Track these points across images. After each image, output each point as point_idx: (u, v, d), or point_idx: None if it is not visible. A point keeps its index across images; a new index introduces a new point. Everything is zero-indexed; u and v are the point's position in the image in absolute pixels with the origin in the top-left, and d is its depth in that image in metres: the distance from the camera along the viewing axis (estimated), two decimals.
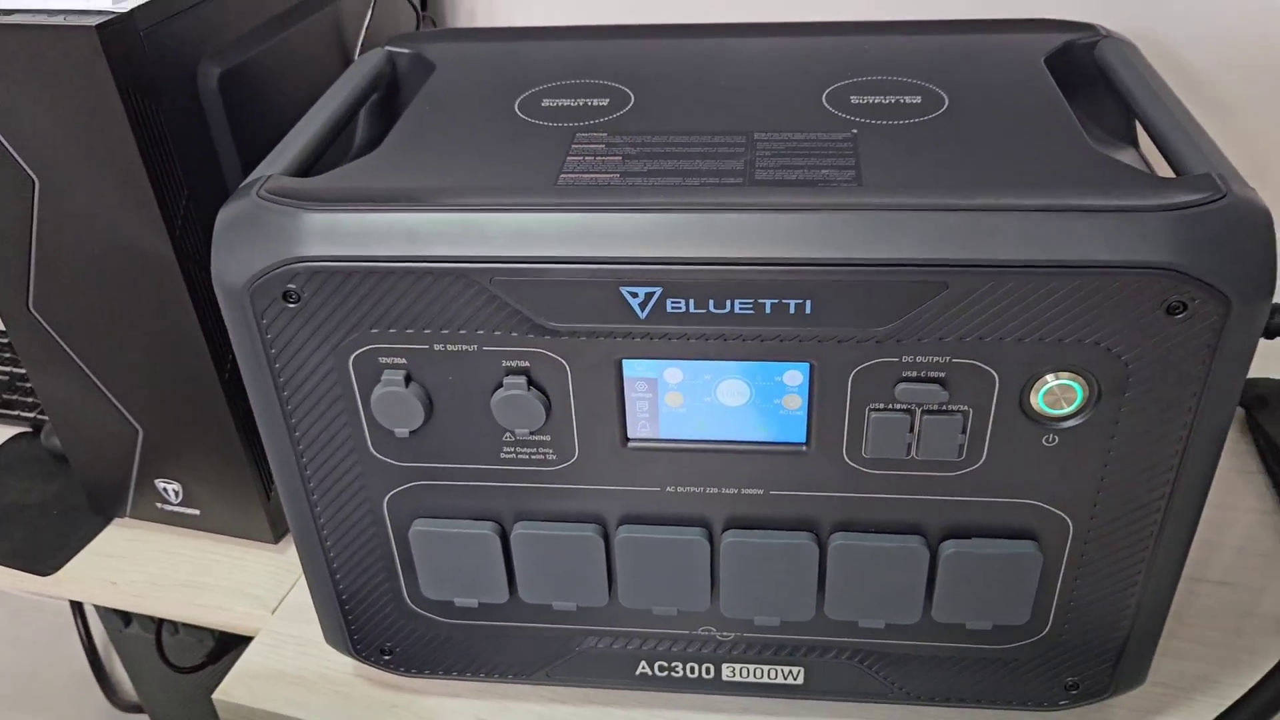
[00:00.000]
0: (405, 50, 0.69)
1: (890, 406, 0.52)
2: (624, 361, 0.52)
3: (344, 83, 0.65)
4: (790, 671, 0.63)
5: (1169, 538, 0.55)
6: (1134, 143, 0.65)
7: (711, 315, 0.50)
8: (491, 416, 0.54)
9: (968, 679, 0.62)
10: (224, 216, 0.52)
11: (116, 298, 0.68)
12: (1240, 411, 0.85)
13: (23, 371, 0.96)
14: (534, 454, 0.56)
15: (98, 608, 1.18)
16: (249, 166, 0.69)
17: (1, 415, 0.94)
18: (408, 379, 0.53)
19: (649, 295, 0.49)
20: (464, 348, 0.52)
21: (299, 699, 0.68)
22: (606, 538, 0.58)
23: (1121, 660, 0.60)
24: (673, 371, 0.53)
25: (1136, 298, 0.47)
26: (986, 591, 0.57)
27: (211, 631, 1.04)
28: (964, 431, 0.52)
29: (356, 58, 0.78)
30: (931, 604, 0.58)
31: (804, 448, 0.54)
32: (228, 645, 1.06)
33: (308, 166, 0.57)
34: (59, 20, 0.59)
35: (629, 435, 0.55)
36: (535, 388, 0.53)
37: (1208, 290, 0.46)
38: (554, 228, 0.49)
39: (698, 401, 0.54)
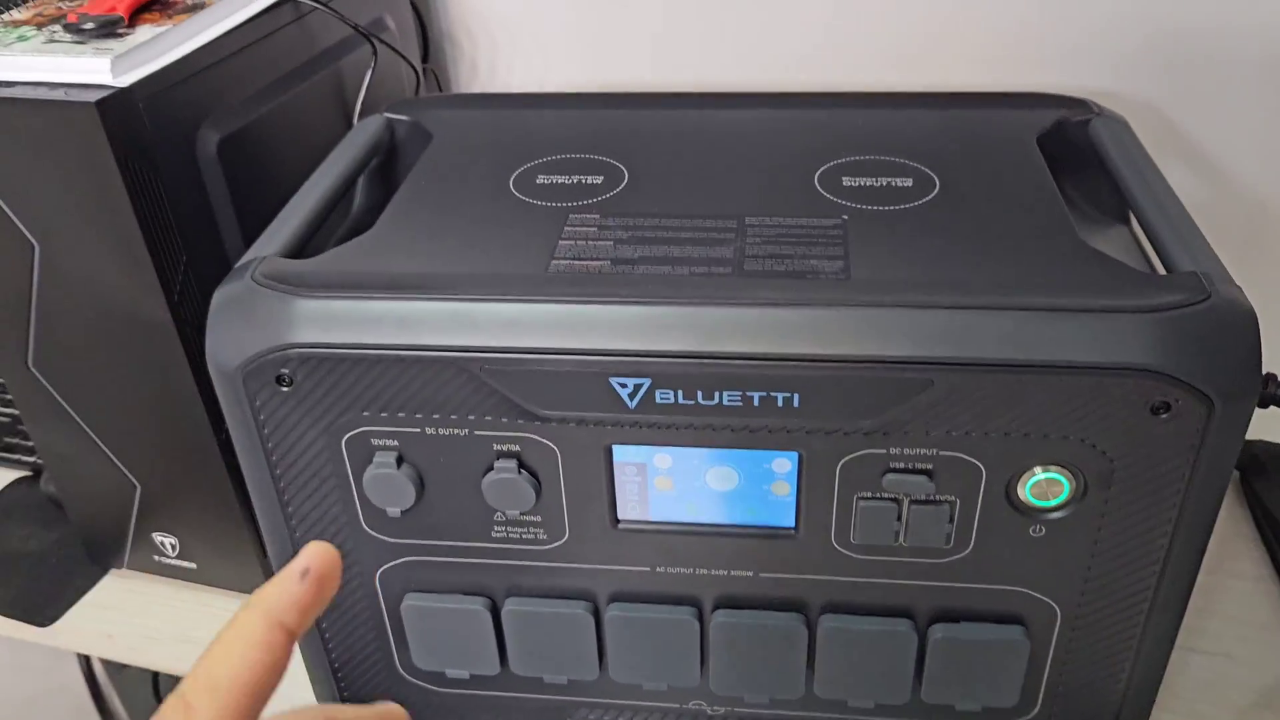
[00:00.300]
0: (404, 118, 0.70)
1: (878, 496, 0.52)
2: (614, 447, 0.53)
3: (341, 152, 0.66)
4: None
5: (1158, 621, 0.55)
6: (1126, 220, 0.65)
7: (700, 406, 0.50)
8: (482, 497, 0.54)
9: None
10: (219, 299, 0.53)
11: (115, 359, 0.69)
12: (1235, 474, 0.85)
13: None
14: (524, 533, 0.56)
15: None
16: (248, 231, 0.70)
17: (2, 459, 0.95)
18: (399, 460, 0.54)
19: (638, 386, 0.50)
20: (455, 431, 0.53)
21: None
22: (597, 614, 0.58)
23: None
24: (662, 457, 0.53)
25: (1121, 398, 0.47)
26: (975, 674, 0.57)
27: None
28: (951, 521, 0.52)
29: (356, 119, 0.79)
30: (921, 685, 0.58)
31: (793, 532, 0.54)
32: None
33: (302, 245, 0.57)
34: (59, 95, 0.59)
35: (619, 517, 0.55)
36: (526, 470, 0.53)
37: (1191, 392, 0.47)
38: (543, 319, 0.50)
39: (687, 485, 0.54)
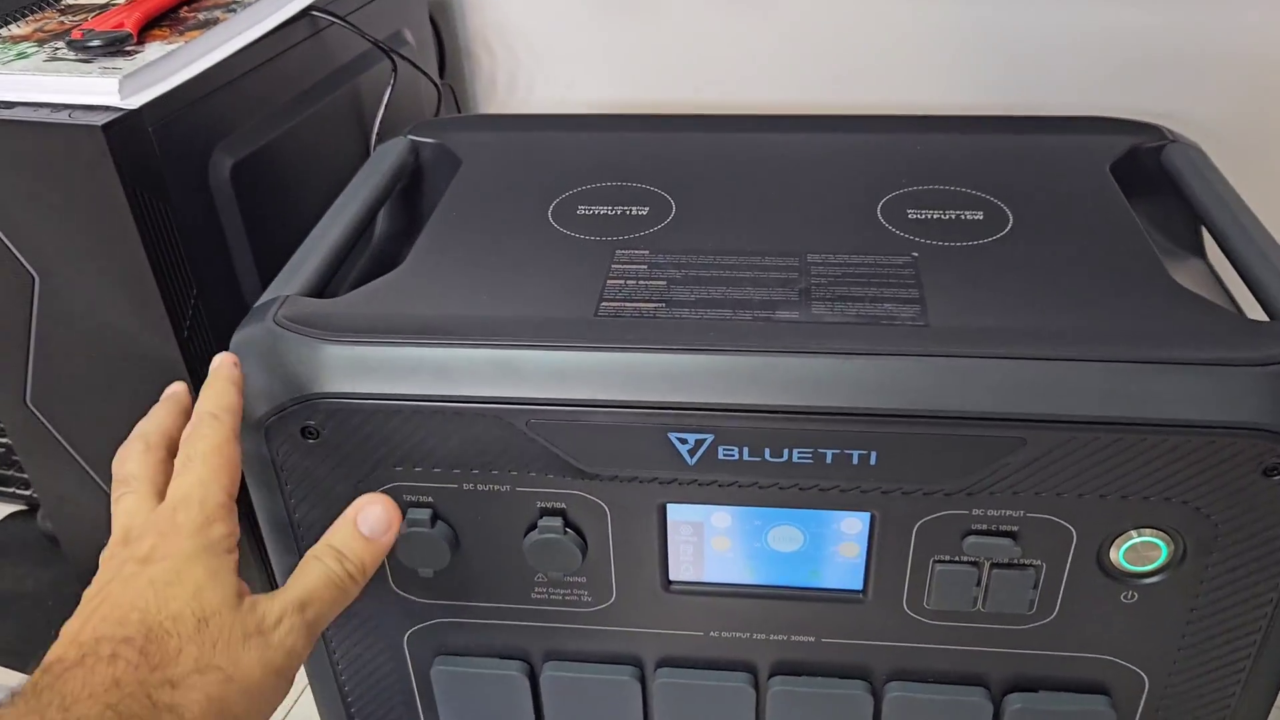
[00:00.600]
0: (429, 140, 0.65)
1: (957, 559, 0.48)
2: (669, 505, 0.48)
3: (364, 178, 0.61)
4: None
5: (1253, 693, 0.51)
6: (1201, 253, 0.61)
7: (766, 464, 0.46)
8: (523, 557, 0.50)
9: None
10: (238, 343, 0.49)
11: (118, 395, 0.65)
12: None
13: None
14: (568, 595, 0.52)
15: None
16: (263, 261, 0.65)
17: None
18: (434, 518, 0.50)
19: (699, 442, 0.45)
20: (495, 488, 0.48)
21: None
22: (643, 680, 0.54)
23: None
24: (721, 516, 0.49)
25: (1230, 458, 0.43)
26: None
27: None
28: (1036, 586, 0.48)
29: (375, 137, 0.74)
30: None
31: (861, 596, 0.50)
32: None
33: (325, 282, 0.53)
34: (64, 117, 0.55)
35: (671, 578, 0.51)
36: (571, 529, 0.49)
37: None
38: (596, 368, 0.45)
39: (747, 546, 0.50)
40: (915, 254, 0.52)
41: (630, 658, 0.54)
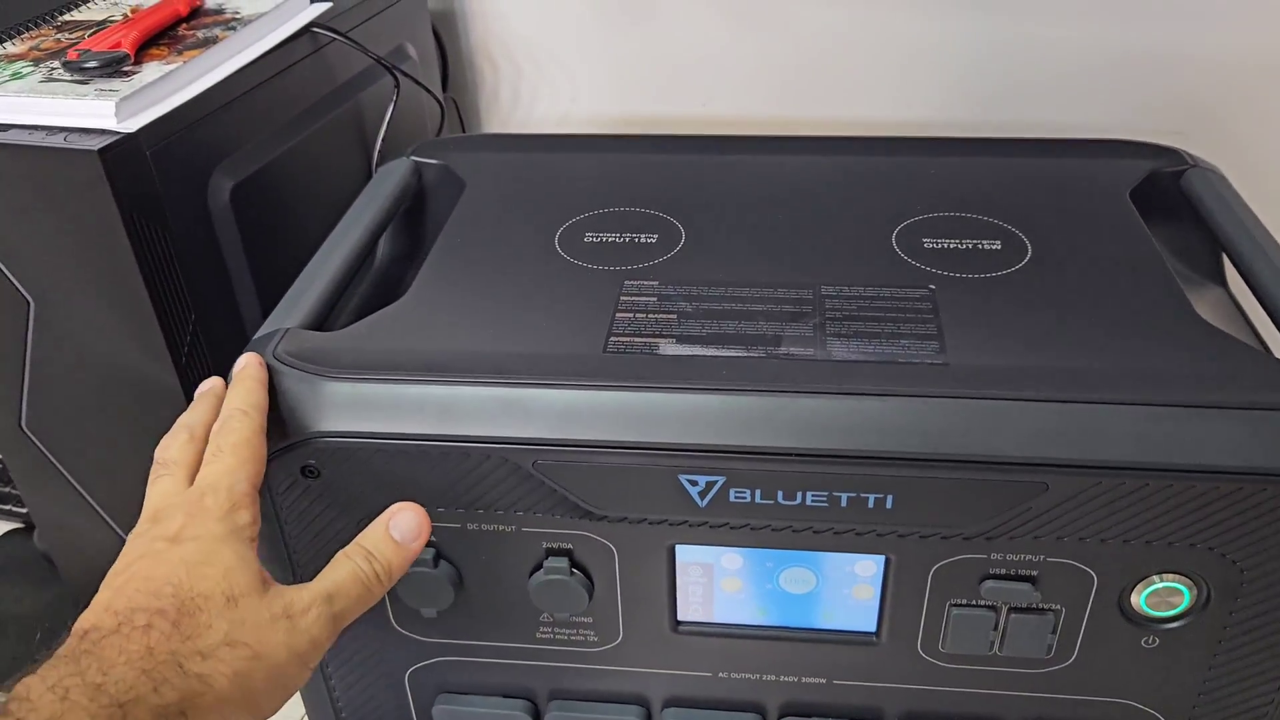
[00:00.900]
0: (432, 161, 0.64)
1: (974, 603, 0.47)
2: (678, 547, 0.47)
3: (365, 202, 0.60)
4: None
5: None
6: (1222, 281, 0.60)
7: (780, 507, 0.44)
8: (528, 598, 0.49)
9: None
10: None
11: (114, 420, 0.63)
12: None
13: None
14: (574, 635, 0.50)
15: None
16: (263, 286, 0.64)
17: None
18: (437, 559, 0.48)
19: (710, 484, 0.44)
20: (500, 528, 0.47)
21: None
22: None
23: None
24: (732, 557, 0.48)
25: (1259, 505, 0.42)
26: None
27: None
28: (1055, 631, 0.47)
29: (378, 154, 0.73)
30: None
31: (874, 639, 0.49)
32: None
33: (326, 313, 0.52)
34: (59, 141, 0.54)
35: (679, 619, 0.50)
36: (578, 570, 0.48)
37: None
38: (605, 408, 0.44)
39: (758, 588, 0.49)
40: (932, 286, 0.50)
41: (637, 698, 0.52)
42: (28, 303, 0.59)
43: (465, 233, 0.57)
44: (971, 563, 0.46)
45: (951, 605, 0.47)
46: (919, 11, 0.79)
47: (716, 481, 0.44)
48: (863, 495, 0.44)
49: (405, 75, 0.75)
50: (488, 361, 0.46)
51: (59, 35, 0.63)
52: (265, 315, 0.52)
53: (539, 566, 0.48)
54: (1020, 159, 0.62)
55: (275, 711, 0.41)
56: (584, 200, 0.59)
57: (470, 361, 0.46)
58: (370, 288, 0.61)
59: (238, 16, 0.65)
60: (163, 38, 0.62)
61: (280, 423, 0.46)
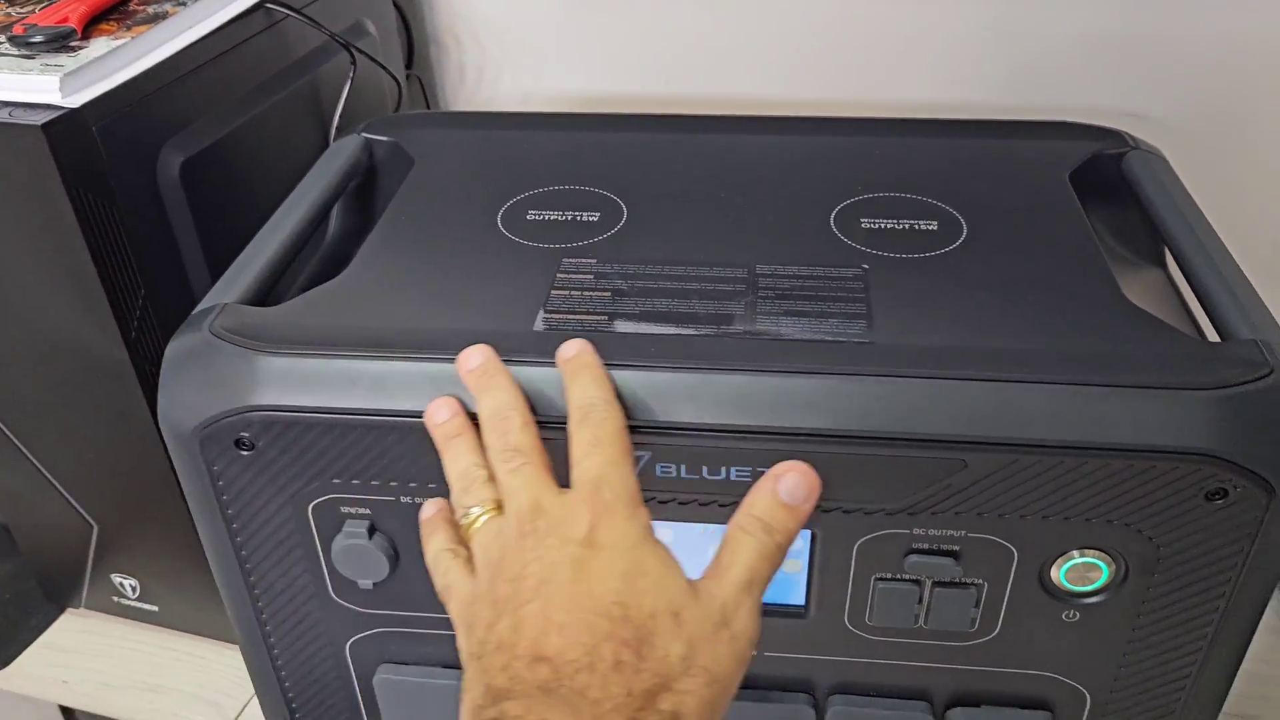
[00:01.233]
0: (383, 138, 0.64)
1: (898, 577, 0.47)
2: None
3: (314, 179, 0.60)
4: None
5: (1194, 710, 0.51)
6: (1162, 263, 0.60)
7: (705, 481, 0.45)
8: None
9: None
10: (172, 353, 0.48)
11: (69, 397, 0.64)
12: None
13: None
14: None
15: None
16: (214, 261, 0.64)
17: None
18: (371, 530, 0.49)
19: (636, 459, 0.45)
20: None
21: None
22: None
23: None
24: (661, 532, 0.48)
25: (1174, 483, 0.43)
26: None
27: None
28: (977, 605, 0.48)
29: (334, 132, 0.73)
30: None
31: (803, 611, 0.50)
32: None
33: (268, 288, 0.52)
34: (4, 115, 0.54)
35: None
36: None
37: (1252, 478, 0.42)
38: (534, 385, 0.45)
39: (688, 561, 0.49)
40: (866, 266, 0.51)
41: None
42: None
43: (409, 210, 0.57)
44: (895, 538, 0.46)
45: (876, 579, 0.48)
46: None
47: (642, 457, 0.45)
48: None
49: (361, 52, 0.75)
50: (421, 337, 0.47)
51: (8, 10, 0.63)
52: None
53: None
54: (964, 140, 0.62)
55: None
56: (530, 178, 0.59)
57: (403, 337, 0.47)
58: (319, 264, 0.61)
59: None
60: (112, 13, 0.62)
61: (214, 396, 0.46)
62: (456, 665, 0.53)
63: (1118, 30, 0.76)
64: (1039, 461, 0.43)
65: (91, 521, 0.71)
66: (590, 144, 0.63)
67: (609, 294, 0.49)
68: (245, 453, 0.47)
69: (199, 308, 0.50)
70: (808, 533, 0.47)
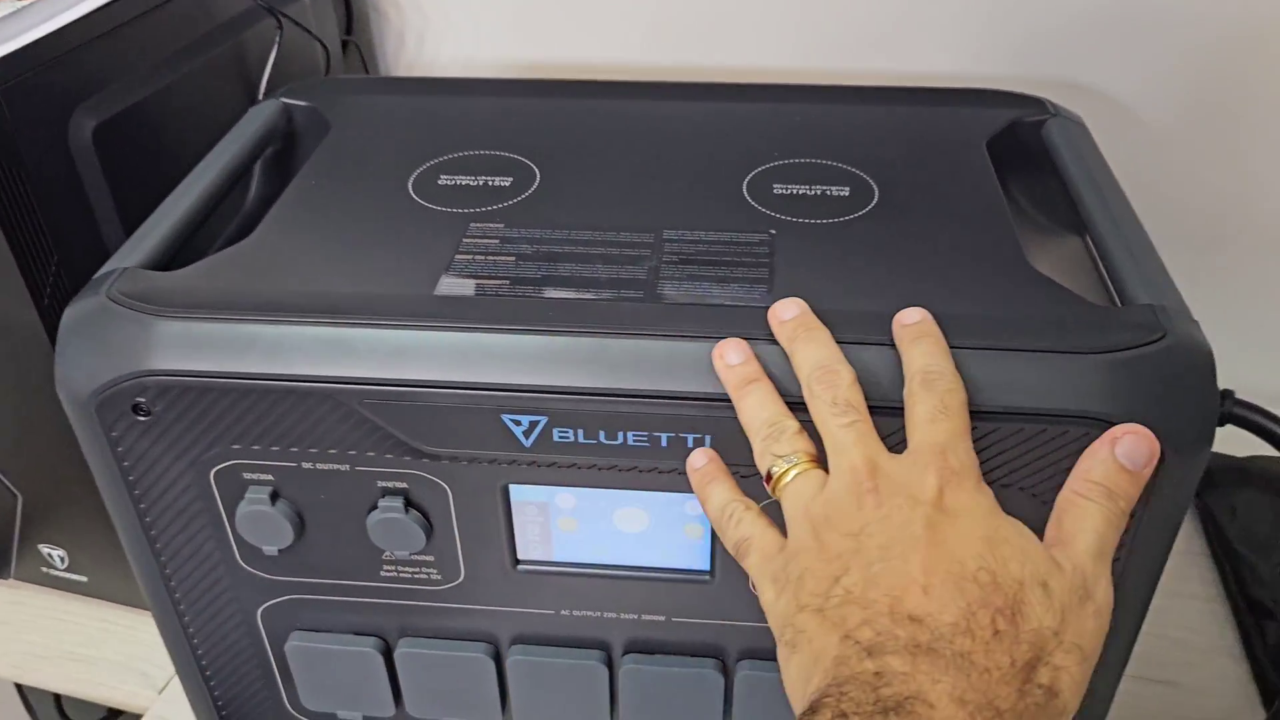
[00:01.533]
0: (302, 103, 0.64)
1: None
2: (511, 486, 0.48)
3: (227, 144, 0.60)
4: None
5: (1098, 670, 0.51)
6: (1081, 230, 0.60)
7: (603, 446, 0.45)
8: (368, 536, 0.49)
9: None
10: (68, 319, 0.47)
11: None
12: None
13: None
14: (417, 573, 0.51)
15: None
16: (131, 225, 0.63)
17: None
18: (274, 496, 0.49)
19: (533, 424, 0.45)
20: (335, 467, 0.48)
21: None
22: (498, 658, 0.54)
23: None
24: (565, 497, 0.48)
25: (1065, 446, 0.43)
26: None
27: None
28: None
29: (262, 98, 0.72)
30: None
31: (708, 576, 0.50)
32: None
33: (173, 253, 0.52)
34: None
35: (519, 557, 0.50)
36: (415, 509, 0.48)
37: None
38: (429, 348, 0.44)
39: (593, 527, 0.49)
40: (773, 231, 0.51)
41: (484, 635, 0.53)
42: None
43: (321, 174, 0.57)
44: None
45: None
46: None
47: (539, 421, 0.45)
48: (681, 435, 0.44)
49: (287, 17, 0.74)
50: (319, 302, 0.46)
51: None
52: None
53: (375, 506, 0.48)
54: (884, 107, 0.62)
55: None
56: (445, 143, 0.59)
57: (301, 301, 0.46)
58: (234, 229, 0.61)
59: None
60: None
61: (109, 361, 0.46)
62: (368, 632, 0.54)
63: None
64: None
65: (16, 491, 0.70)
66: (509, 110, 0.62)
67: (513, 259, 0.49)
68: (143, 418, 0.47)
69: (100, 273, 0.49)
70: None
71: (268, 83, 0.73)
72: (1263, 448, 0.47)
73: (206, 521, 0.50)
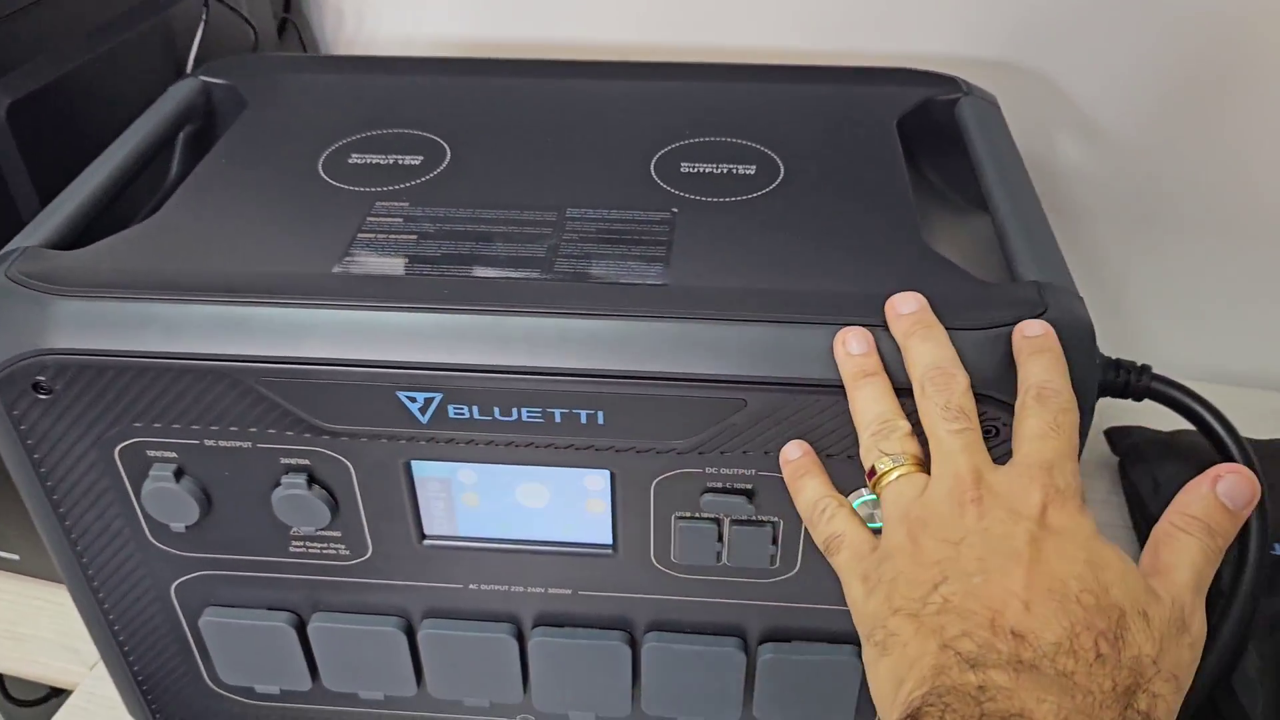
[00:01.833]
0: (220, 81, 0.64)
1: (697, 515, 0.48)
2: (413, 463, 0.48)
3: (142, 123, 0.60)
4: None
5: None
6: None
7: (498, 422, 0.46)
8: (274, 512, 0.50)
9: None
10: None
11: None
12: (1115, 460, 0.82)
13: None
14: (325, 549, 0.52)
15: None
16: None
17: None
18: (179, 474, 0.49)
19: (429, 400, 0.45)
20: (237, 444, 0.48)
21: None
22: (411, 631, 0.54)
23: None
24: (466, 473, 0.49)
25: None
26: (808, 695, 0.54)
27: None
28: (775, 542, 0.49)
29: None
30: (752, 705, 0.55)
31: (611, 551, 0.51)
32: None
33: (79, 232, 0.52)
34: None
35: (425, 533, 0.51)
36: (318, 485, 0.49)
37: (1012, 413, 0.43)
38: (324, 326, 0.45)
39: (496, 502, 0.50)
40: (675, 210, 0.51)
41: (395, 609, 0.54)
42: None
43: (233, 153, 0.57)
44: (690, 476, 0.47)
45: (676, 518, 0.49)
46: None
47: (435, 398, 0.45)
48: (574, 411, 0.45)
49: None
50: (215, 280, 0.46)
51: None
52: None
53: (278, 483, 0.49)
54: (799, 86, 0.62)
55: None
56: (360, 122, 0.59)
57: (197, 280, 0.46)
58: (151, 208, 0.61)
59: None
60: None
61: (8, 339, 0.46)
62: (281, 607, 0.54)
63: None
64: (816, 400, 0.44)
65: None
66: (429, 89, 0.63)
67: (415, 237, 0.49)
68: (44, 397, 0.47)
69: (1, 251, 0.50)
70: (607, 472, 0.48)
71: (195, 61, 0.73)
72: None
73: (114, 499, 0.50)
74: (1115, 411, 0.73)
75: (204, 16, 0.73)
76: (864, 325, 0.44)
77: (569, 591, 0.52)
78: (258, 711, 0.60)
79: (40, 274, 0.47)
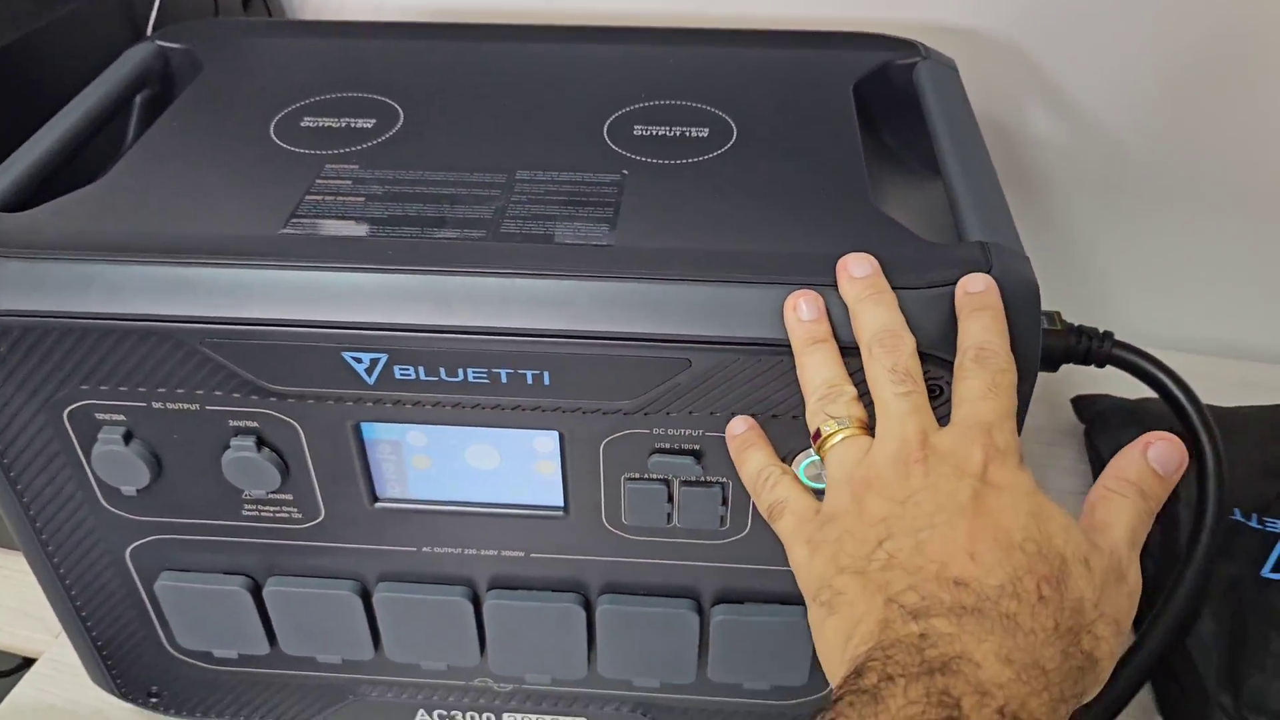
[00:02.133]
0: (177, 45, 0.63)
1: (646, 477, 0.49)
2: (362, 424, 0.48)
3: (97, 86, 0.59)
4: None
5: None
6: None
7: (444, 383, 0.46)
8: (224, 475, 0.50)
9: None
10: None
11: None
12: (1081, 428, 0.83)
13: None
14: (278, 513, 0.52)
15: None
16: None
17: None
18: (128, 437, 0.49)
19: (374, 361, 0.45)
20: (185, 406, 0.48)
21: None
22: (366, 595, 0.55)
23: None
24: (416, 435, 0.49)
25: None
26: (761, 655, 0.54)
27: None
28: (724, 503, 0.49)
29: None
30: (707, 666, 0.55)
31: (562, 512, 0.51)
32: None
33: (29, 194, 0.51)
34: None
35: (377, 495, 0.51)
36: (268, 447, 0.49)
37: None
38: (268, 286, 0.45)
39: (447, 464, 0.50)
40: (625, 171, 0.51)
41: (350, 573, 0.54)
42: None
43: (185, 116, 0.57)
44: (639, 438, 0.47)
45: (626, 479, 0.49)
46: None
47: (380, 359, 0.45)
48: (520, 371, 0.45)
49: None
50: (159, 241, 0.46)
51: None
52: None
53: (227, 446, 0.49)
54: (757, 50, 0.62)
55: None
56: (314, 86, 0.59)
57: (141, 241, 0.46)
58: (102, 173, 0.60)
59: None
60: None
61: None
62: (236, 571, 0.54)
63: None
64: (760, 360, 0.44)
65: None
66: (382, 52, 0.62)
67: (363, 199, 0.49)
68: None
69: None
70: (556, 433, 0.48)
71: (154, 26, 0.72)
72: None
73: (65, 463, 0.50)
74: (1083, 379, 0.74)
75: None
76: (808, 285, 0.44)
77: (522, 554, 0.53)
78: (217, 676, 0.60)
79: None
